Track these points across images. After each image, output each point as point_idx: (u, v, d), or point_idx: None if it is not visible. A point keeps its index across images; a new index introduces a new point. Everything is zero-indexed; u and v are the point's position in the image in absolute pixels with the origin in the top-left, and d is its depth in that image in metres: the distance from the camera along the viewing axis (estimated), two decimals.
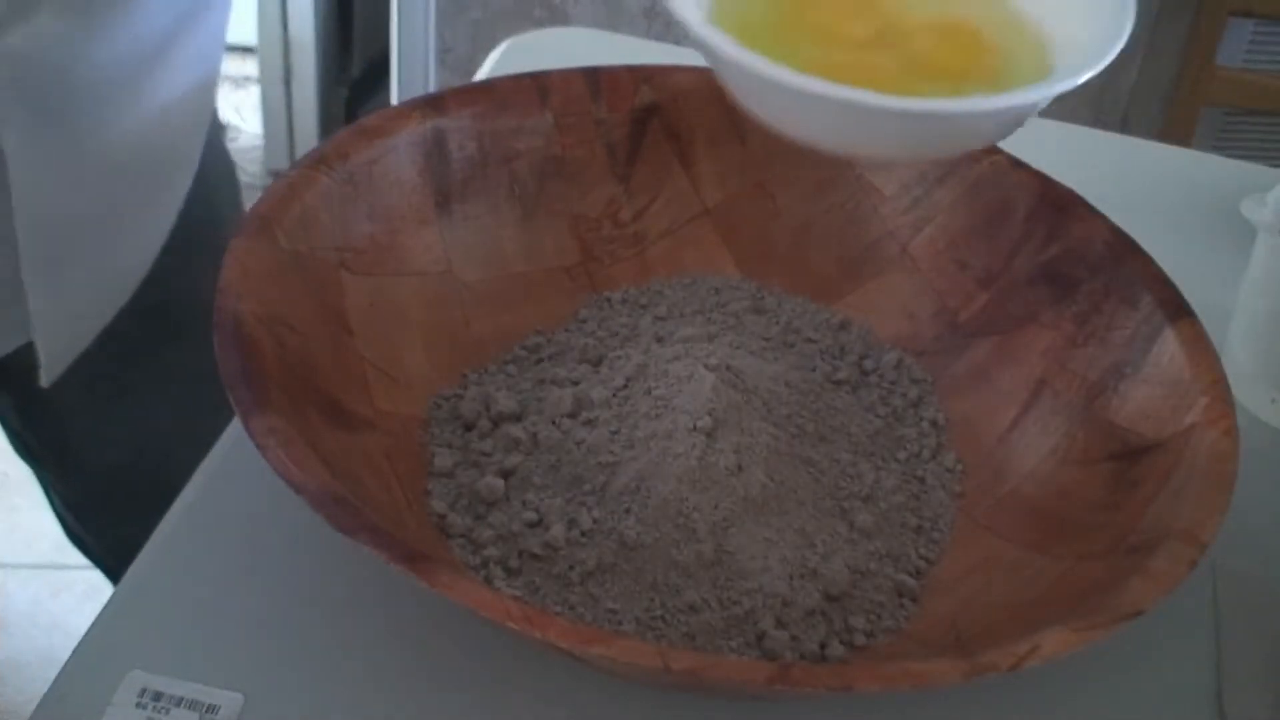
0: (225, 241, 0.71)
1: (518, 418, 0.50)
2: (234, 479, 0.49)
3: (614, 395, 0.49)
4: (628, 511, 0.45)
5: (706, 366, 0.48)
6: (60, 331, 0.61)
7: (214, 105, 0.66)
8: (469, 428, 0.50)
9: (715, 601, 0.44)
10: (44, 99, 0.52)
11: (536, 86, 0.56)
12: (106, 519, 0.80)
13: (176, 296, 0.67)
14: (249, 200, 0.54)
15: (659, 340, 0.53)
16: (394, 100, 1.73)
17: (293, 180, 0.49)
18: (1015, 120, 0.39)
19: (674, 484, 0.45)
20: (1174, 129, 1.66)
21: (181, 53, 0.58)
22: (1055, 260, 0.52)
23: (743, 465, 0.46)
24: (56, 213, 0.56)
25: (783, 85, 0.36)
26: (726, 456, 0.46)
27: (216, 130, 0.70)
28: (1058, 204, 0.53)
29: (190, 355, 0.70)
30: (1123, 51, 0.38)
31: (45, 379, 0.62)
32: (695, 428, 0.46)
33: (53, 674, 0.42)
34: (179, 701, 0.41)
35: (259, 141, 2.00)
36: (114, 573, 0.85)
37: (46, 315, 0.59)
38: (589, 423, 0.48)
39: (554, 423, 0.48)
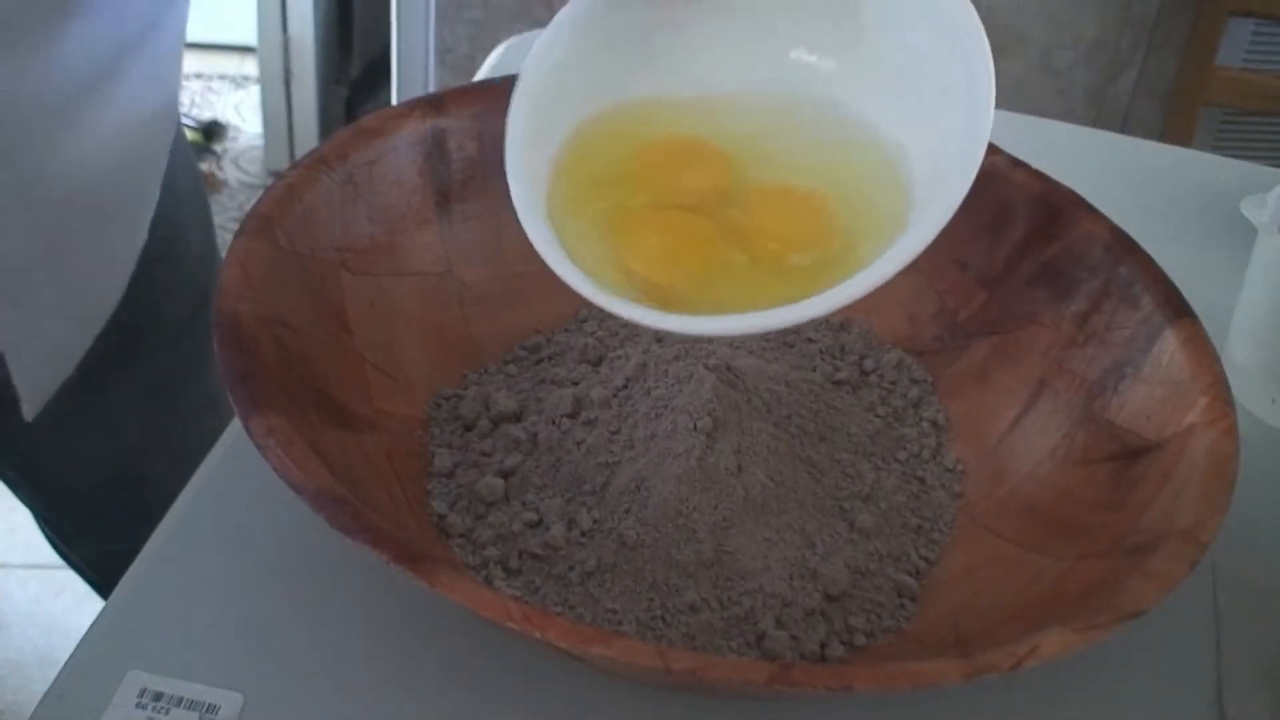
0: (191, 255, 0.70)
1: (518, 418, 0.50)
2: (233, 479, 0.49)
3: (614, 395, 0.49)
4: (627, 512, 0.45)
5: (706, 366, 0.48)
6: (36, 363, 0.60)
7: (175, 125, 0.65)
8: (469, 428, 0.50)
9: (715, 601, 0.44)
10: None
11: None
12: (86, 536, 0.79)
13: (137, 313, 0.66)
14: (249, 200, 0.54)
15: (659, 340, 0.53)
16: (394, 100, 1.73)
17: (293, 180, 0.49)
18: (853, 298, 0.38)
19: (674, 484, 0.45)
20: (1174, 129, 1.66)
21: (128, 80, 0.56)
22: (1055, 260, 0.52)
23: (743, 465, 0.46)
24: (6, 246, 0.55)
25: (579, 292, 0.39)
26: (726, 457, 0.46)
27: (181, 146, 0.68)
28: (1058, 204, 0.53)
29: (155, 370, 0.69)
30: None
31: (28, 412, 0.61)
32: (695, 428, 0.46)
33: (53, 674, 0.42)
34: (179, 701, 0.41)
35: (259, 141, 2.00)
36: (100, 586, 0.84)
37: (19, 349, 0.58)
38: (589, 423, 0.48)
39: (554, 423, 0.48)
